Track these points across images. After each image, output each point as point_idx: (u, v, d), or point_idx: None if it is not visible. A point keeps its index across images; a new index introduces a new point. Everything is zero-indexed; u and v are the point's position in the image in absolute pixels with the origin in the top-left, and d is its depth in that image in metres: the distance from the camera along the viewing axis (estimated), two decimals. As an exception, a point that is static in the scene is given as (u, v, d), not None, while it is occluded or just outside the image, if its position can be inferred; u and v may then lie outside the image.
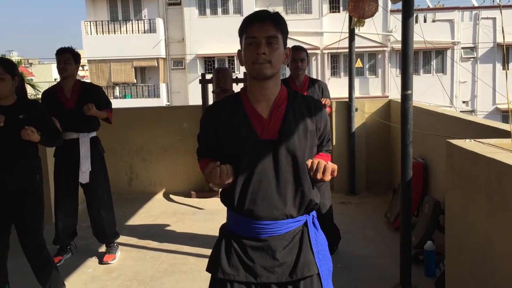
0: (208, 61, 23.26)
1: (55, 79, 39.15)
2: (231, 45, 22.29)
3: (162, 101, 22.98)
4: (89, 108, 3.83)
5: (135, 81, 23.32)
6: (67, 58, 3.89)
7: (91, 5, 22.91)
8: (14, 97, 3.07)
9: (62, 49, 3.92)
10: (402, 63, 3.26)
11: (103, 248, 4.30)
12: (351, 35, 5.69)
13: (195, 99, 21.99)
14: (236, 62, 22.41)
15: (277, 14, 1.78)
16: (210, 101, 6.00)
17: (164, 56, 23.32)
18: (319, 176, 1.67)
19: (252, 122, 1.76)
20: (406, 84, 3.26)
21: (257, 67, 1.70)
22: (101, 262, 4.08)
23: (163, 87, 23.47)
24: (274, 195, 1.73)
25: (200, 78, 6.10)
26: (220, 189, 1.87)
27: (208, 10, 22.78)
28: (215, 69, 5.93)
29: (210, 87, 6.05)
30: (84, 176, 4.00)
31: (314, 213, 1.84)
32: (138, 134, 6.12)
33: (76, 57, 3.96)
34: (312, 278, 1.75)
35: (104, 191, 4.15)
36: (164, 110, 7.63)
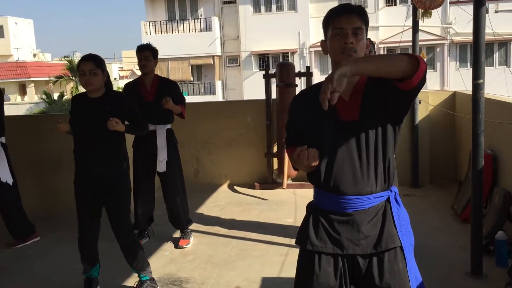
0: (263, 58, 23.48)
1: (115, 78, 40.70)
2: (285, 41, 22.43)
3: (217, 98, 23.44)
4: (166, 101, 4.05)
5: (191, 78, 23.91)
6: (147, 55, 4.16)
7: (150, 6, 23.69)
8: (103, 90, 3.33)
9: (142, 46, 4.19)
10: (474, 52, 3.28)
11: (177, 234, 4.55)
12: (415, 27, 5.67)
13: (250, 95, 22.29)
14: (290, 58, 22.49)
15: (361, 7, 1.91)
16: (273, 96, 6.16)
17: (220, 54, 23.75)
18: None
19: (334, 105, 1.89)
20: (477, 73, 3.28)
21: (345, 55, 1.83)
22: (176, 246, 4.34)
23: (218, 84, 23.93)
24: (358, 172, 1.85)
25: (264, 73, 6.26)
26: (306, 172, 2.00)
27: (262, 8, 22.98)
28: (278, 63, 6.08)
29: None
30: (161, 166, 4.27)
31: (396, 189, 1.95)
32: (204, 127, 6.37)
33: (155, 53, 4.22)
34: (396, 250, 1.87)
35: (179, 179, 4.40)
36: (229, 104, 7.87)
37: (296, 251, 4.01)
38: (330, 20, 1.89)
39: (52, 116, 8.10)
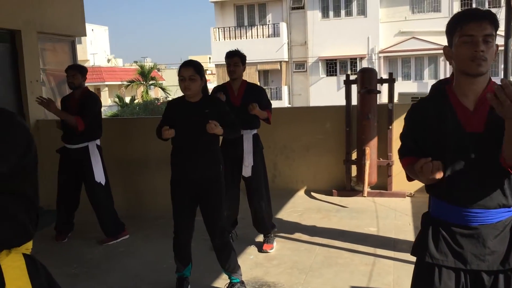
0: (330, 63, 23.31)
1: (182, 83, 41.80)
2: (353, 46, 22.14)
3: (283, 103, 23.51)
4: (253, 107, 4.11)
5: (258, 84, 24.14)
6: (236, 61, 4.24)
7: (219, 12, 24.21)
8: (200, 95, 3.43)
9: (231, 52, 4.28)
10: None
11: (259, 238, 4.60)
12: (508, 31, 5.39)
13: (316, 101, 22.18)
14: (359, 64, 22.17)
15: (492, 12, 1.83)
16: (354, 102, 6.09)
17: (287, 59, 23.84)
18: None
19: (457, 116, 1.83)
20: None
21: (475, 64, 1.76)
22: (260, 250, 4.37)
23: (285, 90, 24.01)
24: (484, 185, 1.78)
25: (344, 79, 6.20)
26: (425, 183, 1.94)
27: (331, 13, 22.84)
28: (360, 69, 6.01)
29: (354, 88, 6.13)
30: (247, 170, 4.33)
31: None
32: (282, 133, 6.39)
33: (243, 59, 4.29)
34: (526, 269, 1.78)
35: (264, 184, 4.45)
36: (307, 110, 7.87)
37: (383, 262, 3.97)
38: (458, 26, 1.82)
39: (140, 119, 8.44)
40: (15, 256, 1.61)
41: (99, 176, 4.72)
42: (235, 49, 4.35)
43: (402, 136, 2.01)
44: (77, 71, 4.73)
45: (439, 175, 1.76)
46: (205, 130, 3.25)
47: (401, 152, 2.01)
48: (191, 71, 3.29)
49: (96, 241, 4.81)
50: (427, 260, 1.87)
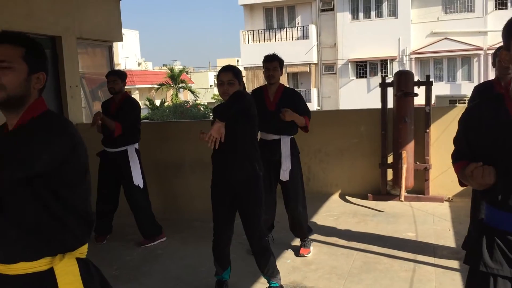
0: (360, 66, 23.11)
1: (210, 86, 42.19)
2: (384, 48, 21.88)
3: (313, 105, 23.41)
4: (283, 115, 4.02)
5: (287, 86, 24.10)
6: (275, 65, 4.24)
7: (249, 15, 24.30)
8: None
9: (270, 57, 4.28)
10: None
11: (295, 242, 4.59)
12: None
13: (346, 103, 22.02)
14: (389, 66, 21.92)
15: None
16: (390, 105, 6.01)
17: (316, 62, 23.74)
18: None
19: None
20: None
21: None
22: (297, 254, 4.36)
23: (314, 92, 23.91)
24: None
25: (380, 81, 6.14)
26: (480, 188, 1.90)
27: (361, 14, 22.65)
28: (397, 72, 5.93)
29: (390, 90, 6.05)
30: (284, 174, 4.32)
31: None
32: (316, 136, 6.34)
33: (282, 64, 4.30)
34: None
35: (301, 188, 4.44)
36: (341, 113, 7.81)
37: (424, 268, 3.91)
38: None
39: (176, 123, 8.54)
40: (68, 261, 1.65)
41: (137, 179, 4.80)
42: (273, 53, 4.34)
43: (455, 140, 1.97)
44: (117, 76, 4.82)
45: (490, 181, 1.73)
46: (239, 134, 3.26)
47: (454, 156, 1.98)
48: (230, 75, 3.31)
49: (134, 243, 4.88)
50: (481, 269, 1.83)
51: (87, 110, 6.75)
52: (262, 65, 4.32)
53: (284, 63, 4.51)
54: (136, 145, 4.87)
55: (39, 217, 1.58)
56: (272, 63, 4.23)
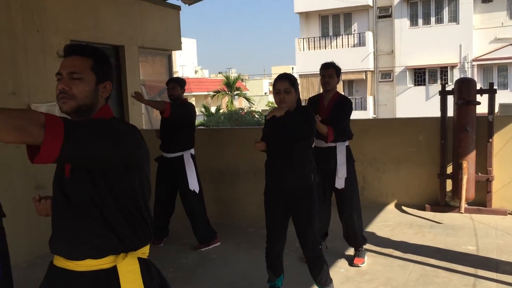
0: (418, 73, 22.51)
1: (265, 93, 42.45)
2: (444, 55, 21.21)
3: (368, 113, 23.03)
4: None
5: (343, 93, 23.85)
6: (331, 72, 4.22)
7: (304, 23, 24.30)
8: (294, 107, 3.44)
9: (326, 64, 4.27)
10: None
11: (349, 251, 4.53)
12: None
13: (403, 112, 21.49)
14: (449, 73, 21.21)
15: None
16: (450, 113, 5.83)
17: (372, 69, 23.36)
18: None
19: None
20: None
21: None
22: (351, 264, 4.30)
23: (370, 100, 23.52)
24: None
25: (440, 89, 5.96)
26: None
27: (420, 21, 22.10)
28: (458, 80, 5.75)
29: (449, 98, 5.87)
30: (340, 182, 4.28)
31: None
32: (372, 144, 6.26)
33: (338, 71, 4.27)
34: None
35: (356, 196, 4.38)
36: (399, 121, 7.65)
37: (485, 283, 3.78)
38: None
39: (231, 130, 8.68)
40: (131, 260, 1.73)
41: (193, 184, 4.90)
42: (331, 61, 4.33)
43: None
44: (177, 83, 4.97)
45: None
46: (295, 142, 3.27)
47: None
48: (286, 84, 3.32)
49: (189, 247, 4.99)
50: None
51: (146, 117, 6.99)
52: (318, 72, 4.32)
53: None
54: (192, 151, 4.98)
55: (105, 217, 1.67)
56: (328, 70, 4.22)
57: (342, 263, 4.36)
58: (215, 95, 32.74)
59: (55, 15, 5.11)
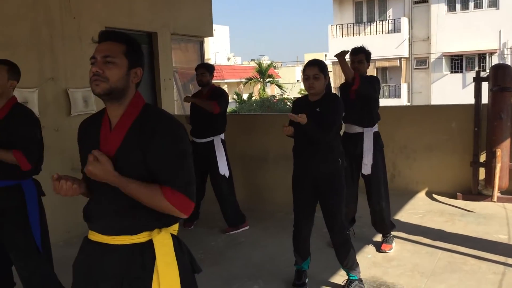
0: (455, 60, 21.96)
1: (297, 80, 42.18)
2: (482, 41, 20.59)
3: (402, 101, 22.64)
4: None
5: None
6: (361, 58, 4.21)
7: (338, 9, 23.99)
8: (323, 93, 3.46)
9: (356, 49, 4.25)
10: None
11: (377, 237, 4.54)
12: None
13: (438, 99, 21.04)
14: (488, 60, 20.59)
15: None
16: (484, 101, 5.71)
17: (407, 56, 22.90)
18: None
19: None
20: None
21: None
22: (378, 250, 4.31)
23: (404, 87, 23.10)
24: None
25: (474, 76, 5.84)
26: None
27: (458, 6, 21.49)
28: (493, 66, 5.62)
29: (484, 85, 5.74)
30: (366, 168, 4.28)
31: None
32: (403, 132, 6.20)
33: (368, 56, 4.25)
34: None
35: (383, 183, 4.37)
36: (431, 108, 7.53)
37: (518, 271, 3.69)
38: None
39: (261, 116, 8.73)
40: (165, 235, 1.83)
41: (223, 168, 4.99)
42: (361, 46, 4.31)
43: None
44: (205, 69, 5.04)
45: None
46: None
47: None
48: (315, 70, 3.34)
49: (219, 230, 5.10)
50: None
51: (178, 103, 7.12)
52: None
53: (373, 58, 4.42)
54: (222, 136, 5.06)
55: None
56: (358, 55, 4.20)
57: (370, 249, 4.38)
58: (247, 82, 32.77)
59: (91, 2, 5.25)
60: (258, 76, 32.39)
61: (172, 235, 1.88)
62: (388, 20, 23.01)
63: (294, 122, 3.45)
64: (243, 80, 33.34)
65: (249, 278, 3.88)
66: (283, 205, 5.60)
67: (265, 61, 36.56)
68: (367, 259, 4.15)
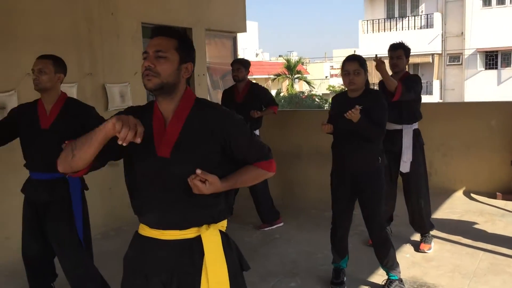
0: (490, 56, 21.41)
1: (326, 77, 41.84)
2: (519, 37, 20.01)
3: (434, 98, 22.20)
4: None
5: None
6: (400, 54, 4.11)
7: (369, 4, 23.68)
8: (362, 89, 3.39)
9: (395, 45, 4.16)
10: None
11: (415, 237, 4.45)
12: None
13: (471, 96, 20.57)
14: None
15: None
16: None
17: (440, 52, 22.44)
18: None
19: None
20: None
21: None
22: (417, 249, 4.23)
23: (436, 84, 22.68)
24: None
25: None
26: None
27: (493, 1, 20.89)
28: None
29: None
30: (405, 166, 4.19)
31: None
32: (440, 129, 6.05)
33: (407, 52, 4.15)
34: None
35: (423, 181, 4.28)
36: (469, 106, 7.36)
37: None
38: None
39: (297, 112, 8.68)
40: (213, 231, 1.82)
41: (258, 164, 4.96)
42: (399, 41, 4.22)
43: None
44: (241, 65, 5.03)
45: None
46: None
47: None
48: (356, 65, 3.27)
49: (253, 226, 5.09)
50: None
51: (210, 98, 7.13)
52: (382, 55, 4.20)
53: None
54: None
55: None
56: (397, 51, 4.11)
57: (408, 248, 4.30)
58: (275, 78, 32.68)
59: (128, -2, 5.30)
60: (287, 72, 32.27)
61: (220, 231, 1.87)
62: (421, 15, 22.58)
63: (333, 119, 3.40)
64: (271, 76, 33.25)
65: (285, 275, 3.86)
66: (316, 202, 5.58)
67: (293, 57, 36.37)
68: (406, 259, 4.07)
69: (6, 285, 3.86)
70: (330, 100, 26.85)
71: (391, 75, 4.23)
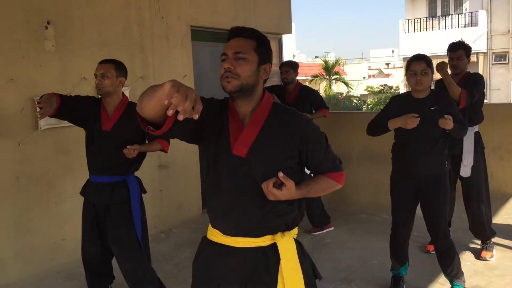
0: (539, 54, 20.57)
1: (363, 78, 41.26)
2: None
3: (479, 98, 21.51)
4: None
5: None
6: (460, 54, 3.95)
7: (410, 3, 23.18)
8: (429, 91, 3.26)
9: (455, 45, 4.00)
10: None
11: (473, 244, 4.27)
12: None
13: (519, 96, 19.82)
14: None
15: None
16: None
17: (485, 51, 21.73)
18: None
19: None
20: None
21: None
22: (477, 257, 4.05)
23: (481, 84, 21.96)
24: None
25: None
26: None
27: (542, -4, 20.10)
28: None
29: None
30: (465, 170, 4.03)
31: None
32: (496, 131, 5.81)
33: (468, 52, 3.99)
34: None
35: (484, 186, 4.11)
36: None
37: None
38: None
39: (346, 114, 8.55)
40: (288, 239, 1.77)
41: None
42: (459, 40, 4.05)
43: None
44: (290, 67, 4.98)
45: None
46: (431, 127, 3.11)
47: None
48: (423, 65, 3.14)
49: (302, 230, 4.99)
50: None
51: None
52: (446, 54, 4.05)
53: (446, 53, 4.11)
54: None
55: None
56: (457, 52, 3.95)
57: (468, 256, 4.13)
58: (313, 79, 32.46)
59: (178, 2, 5.32)
60: (324, 74, 32.00)
61: (294, 239, 1.82)
62: (465, 13, 21.93)
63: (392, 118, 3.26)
64: (309, 78, 33.05)
65: (341, 281, 3.76)
66: (367, 206, 5.45)
67: (331, 58, 36.06)
68: (467, 267, 3.90)
69: (63, 286, 3.92)
70: (368, 100, 26.45)
71: (451, 76, 4.08)
